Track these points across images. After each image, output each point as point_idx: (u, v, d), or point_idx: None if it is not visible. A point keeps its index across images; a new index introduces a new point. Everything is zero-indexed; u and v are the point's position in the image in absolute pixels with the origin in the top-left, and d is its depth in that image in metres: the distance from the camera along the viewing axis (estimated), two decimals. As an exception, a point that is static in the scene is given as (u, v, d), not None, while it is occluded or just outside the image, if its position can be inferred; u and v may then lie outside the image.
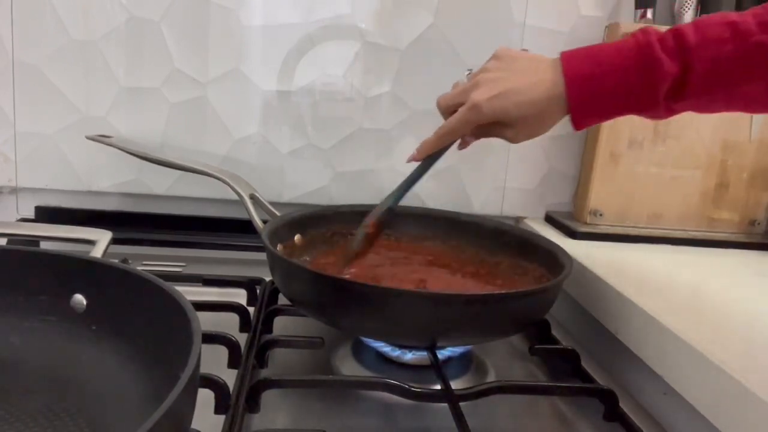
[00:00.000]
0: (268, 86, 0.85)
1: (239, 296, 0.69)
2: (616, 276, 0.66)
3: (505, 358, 0.66)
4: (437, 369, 0.55)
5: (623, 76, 0.51)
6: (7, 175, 0.84)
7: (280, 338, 0.59)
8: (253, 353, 0.57)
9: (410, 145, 0.87)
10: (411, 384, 0.51)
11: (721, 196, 0.86)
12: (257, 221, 0.67)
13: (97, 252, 0.58)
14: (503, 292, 0.61)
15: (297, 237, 0.70)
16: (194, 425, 0.38)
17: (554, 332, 0.67)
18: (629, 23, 0.82)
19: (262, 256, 0.61)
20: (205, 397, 0.46)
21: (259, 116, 0.85)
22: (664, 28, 0.52)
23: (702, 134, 0.83)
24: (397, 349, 0.59)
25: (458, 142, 0.61)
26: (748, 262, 0.79)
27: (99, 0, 0.80)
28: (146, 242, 0.84)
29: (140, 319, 0.44)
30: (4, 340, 0.47)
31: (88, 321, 0.47)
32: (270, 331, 0.64)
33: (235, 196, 0.71)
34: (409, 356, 0.59)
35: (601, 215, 0.85)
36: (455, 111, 0.58)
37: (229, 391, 0.48)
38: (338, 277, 0.57)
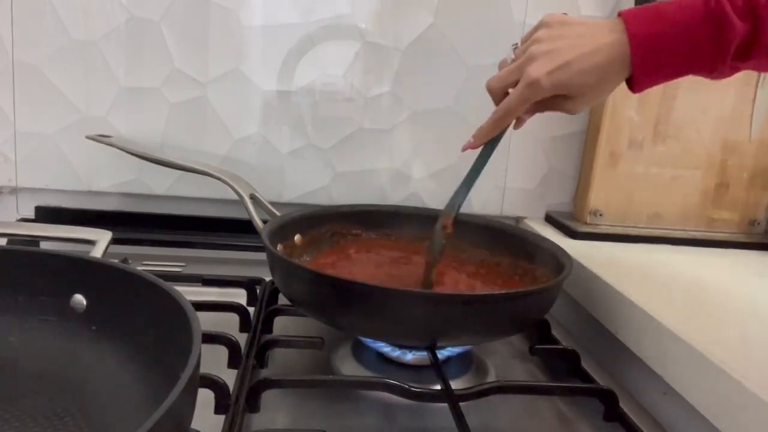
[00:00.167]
0: (268, 86, 0.85)
1: (239, 296, 0.69)
2: (616, 276, 0.66)
3: (505, 358, 0.66)
4: (437, 369, 0.55)
5: (692, 34, 0.49)
6: (7, 175, 0.84)
7: (280, 338, 0.58)
8: (253, 353, 0.57)
9: (410, 144, 0.88)
10: (411, 384, 0.51)
11: (721, 196, 0.86)
12: (257, 221, 0.67)
13: (97, 252, 0.58)
14: (503, 292, 0.61)
15: (297, 237, 0.70)
16: (194, 425, 0.38)
17: (554, 332, 0.67)
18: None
19: (262, 256, 0.61)
20: (205, 397, 0.46)
21: (259, 116, 0.85)
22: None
23: (702, 134, 0.83)
24: (397, 349, 0.59)
25: (513, 122, 0.58)
26: (748, 262, 0.79)
27: (99, 0, 0.80)
28: (146, 242, 0.84)
29: (140, 319, 0.44)
30: (4, 340, 0.47)
31: (88, 321, 0.47)
32: (270, 331, 0.64)
33: (235, 196, 0.71)
34: (409, 356, 0.59)
35: (601, 215, 0.85)
36: (507, 93, 0.55)
37: (229, 391, 0.48)
38: (338, 277, 0.57)
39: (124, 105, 0.83)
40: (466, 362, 0.62)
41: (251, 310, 0.66)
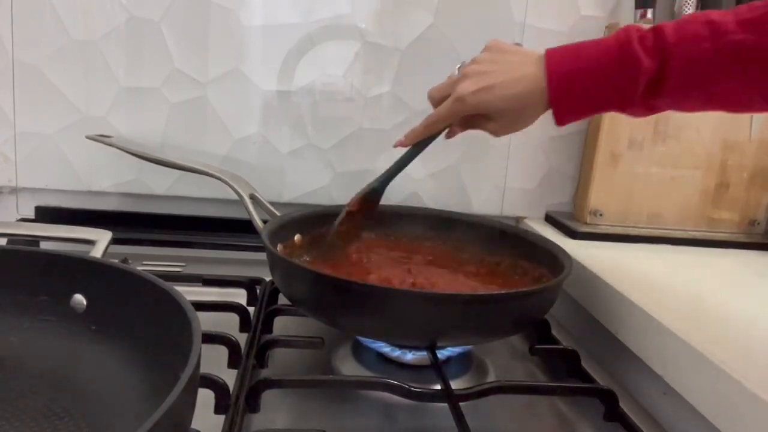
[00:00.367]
0: (268, 86, 0.85)
1: (239, 296, 0.69)
2: (616, 276, 0.66)
3: (505, 358, 0.66)
4: (437, 369, 0.55)
5: (602, 72, 0.52)
6: (7, 175, 0.84)
7: (280, 338, 0.59)
8: (253, 353, 0.57)
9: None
10: (411, 384, 0.51)
11: (721, 196, 0.86)
12: (257, 221, 0.67)
13: (97, 252, 0.58)
14: (503, 292, 0.61)
15: (297, 237, 0.70)
16: (194, 425, 0.38)
17: (554, 332, 0.67)
18: (629, 23, 0.82)
19: (262, 256, 0.61)
20: (205, 397, 0.46)
21: (259, 116, 0.85)
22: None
23: (702, 134, 0.83)
24: (397, 349, 0.59)
25: (446, 131, 0.62)
26: (748, 262, 0.79)
27: (99, 0, 0.80)
28: (146, 242, 0.84)
29: (140, 319, 0.44)
30: (4, 340, 0.47)
31: (88, 321, 0.47)
32: (270, 331, 0.64)
33: (235, 196, 0.71)
34: (409, 356, 0.59)
35: (601, 215, 0.85)
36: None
37: (229, 391, 0.48)
38: (338, 277, 0.57)
39: (124, 105, 0.83)
40: (466, 362, 0.62)
41: (251, 310, 0.66)
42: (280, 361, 0.59)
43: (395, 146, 0.64)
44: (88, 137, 0.78)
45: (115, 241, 0.60)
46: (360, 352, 0.62)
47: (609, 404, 0.54)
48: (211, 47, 0.83)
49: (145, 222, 0.86)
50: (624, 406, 0.54)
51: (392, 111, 0.87)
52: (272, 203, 0.73)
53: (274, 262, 0.60)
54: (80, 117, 0.83)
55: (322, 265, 0.66)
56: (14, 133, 0.83)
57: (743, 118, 0.83)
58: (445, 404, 0.51)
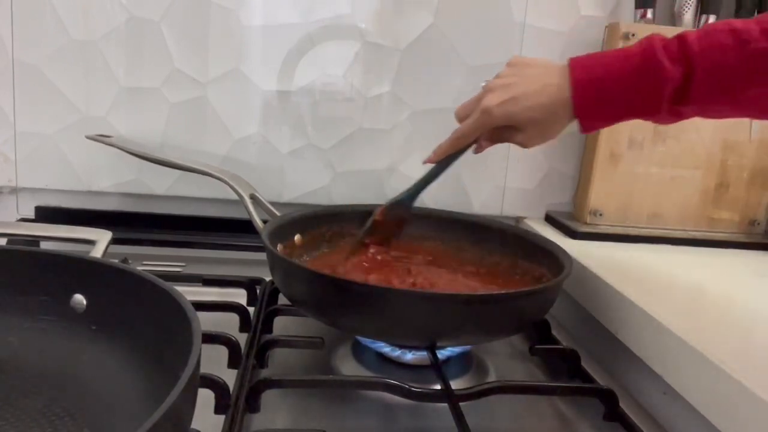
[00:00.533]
0: (268, 86, 0.85)
1: (239, 296, 0.69)
2: (616, 276, 0.66)
3: (505, 358, 0.66)
4: (437, 369, 0.55)
5: (627, 80, 0.53)
6: (7, 175, 0.84)
7: (280, 338, 0.59)
8: (253, 353, 0.57)
9: (410, 144, 0.88)
10: (411, 384, 0.51)
11: (721, 196, 0.86)
12: (257, 221, 0.67)
13: (97, 252, 0.58)
14: (503, 292, 0.61)
15: (297, 237, 0.70)
16: (194, 425, 0.38)
17: (554, 332, 0.67)
18: (629, 23, 0.82)
19: (262, 256, 0.61)
20: (205, 397, 0.46)
21: (259, 116, 0.85)
22: (670, 32, 0.53)
23: (702, 134, 0.83)
24: (397, 349, 0.59)
25: (474, 146, 0.63)
26: (748, 262, 0.79)
27: (99, 0, 0.80)
28: (146, 242, 0.84)
29: (140, 319, 0.44)
30: (4, 340, 0.47)
31: (88, 321, 0.47)
32: (270, 331, 0.64)
33: (235, 196, 0.71)
34: (409, 356, 0.59)
35: (601, 215, 0.85)
36: None
37: (229, 391, 0.48)
38: (338, 277, 0.57)
39: (124, 105, 0.83)
40: (466, 362, 0.62)
41: (251, 310, 0.66)
42: (280, 361, 0.59)
43: (424, 163, 0.65)
44: (88, 137, 0.78)
45: (115, 241, 0.60)
46: (360, 352, 0.62)
47: (609, 404, 0.54)
48: (211, 47, 0.83)
49: (145, 222, 0.86)
50: (624, 406, 0.54)
51: (392, 111, 0.87)
52: (272, 203, 0.73)
53: (274, 262, 0.60)
54: (80, 117, 0.83)
55: (323, 265, 0.66)
56: (14, 133, 0.83)
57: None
58: (445, 404, 0.51)
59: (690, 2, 0.82)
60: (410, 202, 0.68)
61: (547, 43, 0.86)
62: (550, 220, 0.91)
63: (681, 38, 0.51)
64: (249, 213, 0.68)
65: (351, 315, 0.55)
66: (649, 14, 0.82)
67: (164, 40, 0.82)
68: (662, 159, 0.84)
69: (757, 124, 0.84)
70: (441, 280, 0.65)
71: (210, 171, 0.72)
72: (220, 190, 0.73)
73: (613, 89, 0.53)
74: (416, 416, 0.54)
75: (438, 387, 0.53)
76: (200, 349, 0.35)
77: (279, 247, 0.65)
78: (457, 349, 0.60)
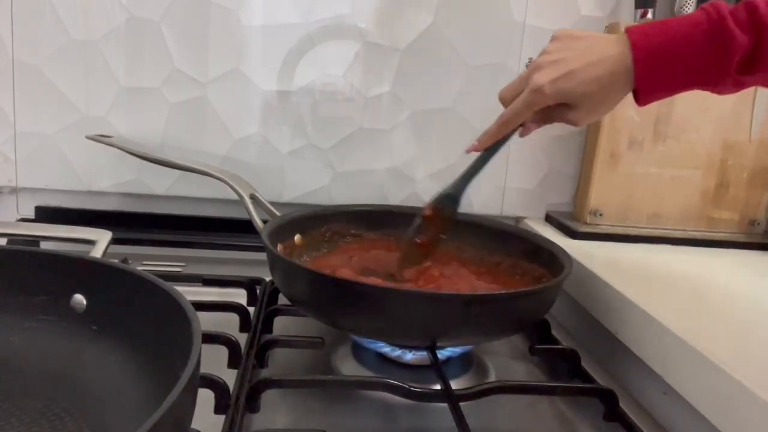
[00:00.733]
0: (268, 86, 0.85)
1: (239, 296, 0.69)
2: (616, 276, 0.66)
3: (505, 358, 0.66)
4: (437, 369, 0.55)
5: (694, 48, 0.50)
6: (7, 175, 0.84)
7: (280, 338, 0.58)
8: (253, 353, 0.57)
9: (410, 144, 0.88)
10: (411, 384, 0.51)
11: (721, 196, 0.86)
12: (257, 221, 0.67)
13: (97, 252, 0.58)
14: (503, 292, 0.61)
15: (297, 237, 0.70)
16: (194, 425, 0.38)
17: (554, 332, 0.67)
18: (629, 23, 0.82)
19: (262, 256, 0.61)
20: (205, 397, 0.46)
21: (259, 116, 0.85)
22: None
23: (702, 134, 0.83)
24: (397, 349, 0.59)
25: (520, 129, 0.59)
26: (748, 262, 0.79)
27: (99, 0, 0.80)
28: (146, 242, 0.84)
29: (140, 319, 0.44)
30: (4, 340, 0.47)
31: (88, 321, 0.47)
32: (270, 331, 0.64)
33: (235, 196, 0.71)
34: (409, 356, 0.59)
35: (601, 215, 0.85)
36: None
37: (229, 391, 0.48)
38: (338, 277, 0.57)
39: (124, 105, 0.83)
40: (466, 362, 0.62)
41: (251, 310, 0.66)
42: (280, 361, 0.59)
43: (467, 151, 0.61)
44: (88, 137, 0.78)
45: (115, 241, 0.60)
46: (360, 352, 0.62)
47: (609, 404, 0.54)
48: (211, 47, 0.83)
49: (145, 222, 0.86)
50: (624, 406, 0.54)
51: (392, 111, 0.87)
52: (272, 203, 0.73)
53: (274, 262, 0.60)
54: (80, 117, 0.83)
55: (323, 265, 0.66)
56: (14, 133, 0.83)
57: (743, 118, 0.83)
58: (445, 404, 0.51)
59: (690, 2, 0.82)
60: (458, 195, 0.63)
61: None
62: (550, 220, 0.91)
63: (749, 6, 0.49)
64: (249, 213, 0.68)
65: (351, 315, 0.55)
66: (650, 14, 0.82)
67: (164, 40, 0.82)
68: (662, 159, 0.84)
69: (757, 125, 0.84)
70: (441, 280, 0.65)
71: (210, 171, 0.72)
72: (220, 190, 0.73)
73: (678, 57, 0.51)
74: (416, 416, 0.54)
75: (438, 387, 0.53)
76: (200, 349, 0.35)
77: (279, 247, 0.65)
78: (457, 349, 0.60)
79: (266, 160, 0.86)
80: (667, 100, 0.78)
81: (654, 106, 0.81)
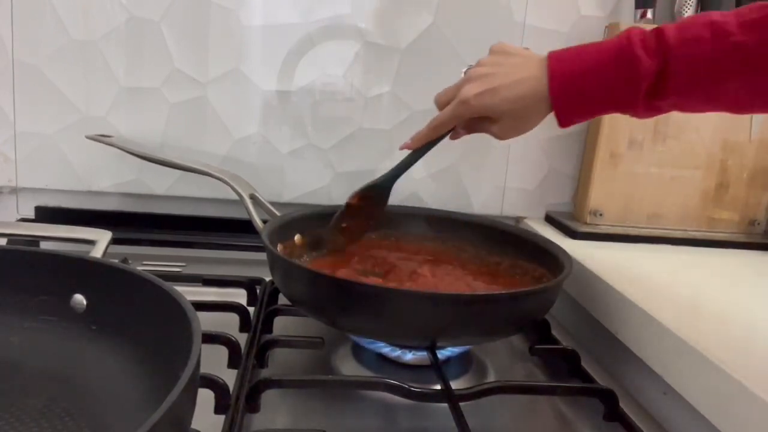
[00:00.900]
0: (268, 86, 0.85)
1: (239, 296, 0.69)
2: (616, 276, 0.66)
3: (505, 358, 0.66)
4: (437, 369, 0.55)
5: (603, 74, 0.52)
6: (7, 175, 0.84)
7: (280, 338, 0.59)
8: (253, 353, 0.57)
9: (410, 145, 0.88)
10: (411, 384, 0.51)
11: (721, 196, 0.86)
12: (257, 221, 0.67)
13: (97, 252, 0.58)
14: (503, 292, 0.61)
15: (297, 237, 0.70)
16: (194, 425, 0.38)
17: (554, 332, 0.67)
18: (629, 23, 0.82)
19: (262, 256, 0.62)
20: (205, 397, 0.46)
21: (259, 116, 0.85)
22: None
23: (702, 134, 0.83)
24: (397, 349, 0.59)
25: (450, 133, 0.62)
26: (748, 262, 0.79)
27: (99, 0, 0.80)
28: (146, 242, 0.84)
29: (140, 319, 0.44)
30: (4, 340, 0.47)
31: (88, 321, 0.47)
32: (270, 331, 0.64)
33: (235, 196, 0.71)
34: (409, 356, 0.59)
35: (601, 215, 0.85)
36: None
37: (229, 391, 0.48)
38: (338, 277, 0.57)
39: (124, 105, 0.83)
40: (465, 362, 0.62)
41: (251, 310, 0.66)
42: (280, 361, 0.59)
43: (401, 148, 0.64)
44: (88, 137, 0.78)
45: (115, 241, 0.60)
46: (360, 352, 0.62)
47: (609, 404, 0.54)
48: (211, 47, 0.83)
49: (145, 222, 0.86)
50: (624, 406, 0.54)
51: (392, 111, 0.87)
52: (272, 203, 0.73)
53: (274, 262, 0.60)
54: (80, 117, 0.83)
55: (323, 265, 0.66)
56: (14, 133, 0.83)
57: (743, 118, 0.83)
58: (445, 404, 0.51)
59: (690, 2, 0.82)
60: (387, 187, 0.66)
61: (547, 43, 0.85)
62: (550, 220, 0.91)
63: (659, 31, 0.51)
64: (249, 213, 0.68)
65: (351, 315, 0.55)
66: (649, 14, 0.82)
67: (164, 40, 0.82)
68: (662, 159, 0.84)
69: (757, 125, 0.84)
70: (441, 280, 0.65)
71: (210, 171, 0.72)
72: (220, 190, 0.73)
73: (589, 83, 0.53)
74: (416, 416, 0.54)
75: (438, 387, 0.53)
76: (200, 349, 0.35)
77: (279, 247, 0.65)
78: (457, 349, 0.60)
79: (266, 160, 0.86)
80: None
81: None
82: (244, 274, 0.74)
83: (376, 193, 0.66)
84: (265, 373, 0.56)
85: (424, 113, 0.87)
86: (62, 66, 0.81)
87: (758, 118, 0.84)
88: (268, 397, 0.51)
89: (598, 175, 0.84)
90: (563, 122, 0.55)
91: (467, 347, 0.62)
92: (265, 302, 0.68)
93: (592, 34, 0.86)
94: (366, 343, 0.61)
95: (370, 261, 0.68)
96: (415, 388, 0.51)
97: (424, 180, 0.89)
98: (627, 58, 0.51)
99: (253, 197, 0.71)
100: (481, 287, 0.65)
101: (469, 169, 0.90)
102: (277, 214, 0.71)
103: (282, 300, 0.65)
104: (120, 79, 0.82)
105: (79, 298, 0.47)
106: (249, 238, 0.81)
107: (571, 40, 0.86)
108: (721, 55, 0.49)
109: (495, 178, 0.91)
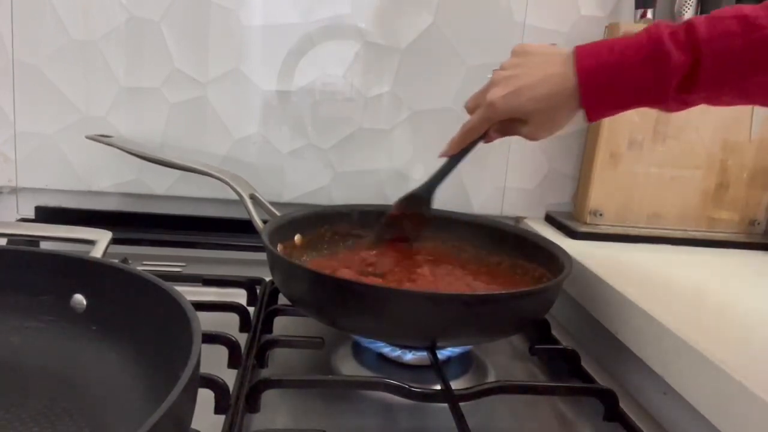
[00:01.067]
0: (268, 86, 0.85)
1: (239, 296, 0.69)
2: (616, 276, 0.66)
3: (505, 358, 0.66)
4: (437, 369, 0.55)
5: (634, 68, 0.52)
6: (7, 175, 0.84)
7: (280, 338, 0.59)
8: (253, 353, 0.57)
9: (410, 144, 0.88)
10: (411, 384, 0.51)
11: (721, 196, 0.86)
12: (257, 221, 0.67)
13: (97, 252, 0.58)
14: (503, 292, 0.61)
15: (297, 237, 0.70)
16: (194, 425, 0.38)
17: (554, 332, 0.67)
18: (629, 23, 0.82)
19: (262, 256, 0.61)
20: (205, 397, 0.46)
21: (259, 116, 0.85)
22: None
23: (702, 134, 0.83)
24: (397, 349, 0.59)
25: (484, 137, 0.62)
26: (748, 262, 0.79)
27: (99, 0, 0.80)
28: (146, 242, 0.84)
29: (140, 319, 0.44)
30: (4, 340, 0.47)
31: (88, 321, 0.47)
32: (270, 331, 0.64)
33: (235, 196, 0.71)
34: (409, 356, 0.59)
35: (601, 215, 0.85)
36: None
37: (229, 391, 0.48)
38: (338, 277, 0.57)
39: (124, 105, 0.83)
40: (466, 362, 0.62)
41: (251, 310, 0.66)
42: (280, 361, 0.59)
43: (439, 156, 0.65)
44: (88, 137, 0.78)
45: (115, 241, 0.60)
46: (360, 352, 0.62)
47: (609, 404, 0.54)
48: (211, 47, 0.83)
49: (145, 222, 0.86)
50: (624, 406, 0.54)
51: (392, 111, 0.87)
52: (272, 203, 0.73)
53: (274, 262, 0.60)
54: (80, 117, 0.83)
55: (323, 265, 0.66)
56: (14, 133, 0.83)
57: (743, 118, 0.83)
58: (445, 404, 0.51)
59: (690, 2, 0.82)
60: (427, 196, 0.67)
61: (547, 43, 0.86)
62: (550, 220, 0.91)
63: (689, 25, 0.51)
64: (249, 213, 0.68)
65: (351, 315, 0.55)
66: (649, 14, 0.82)
67: (164, 40, 0.82)
68: (662, 159, 0.84)
69: (757, 125, 0.84)
70: (441, 280, 0.65)
71: (210, 171, 0.72)
72: (220, 190, 0.73)
73: (619, 77, 0.52)
74: (416, 416, 0.54)
75: (438, 387, 0.53)
76: (200, 349, 0.35)
77: (279, 247, 0.65)
78: (457, 350, 0.60)
79: (266, 160, 0.86)
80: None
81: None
82: (244, 274, 0.74)
83: (416, 202, 0.67)
84: (265, 373, 0.56)
85: (424, 113, 0.88)
86: (62, 66, 0.81)
87: (758, 118, 0.84)
88: (268, 397, 0.51)
89: (598, 175, 0.84)
90: (592, 117, 0.55)
91: (467, 347, 0.62)
92: (265, 302, 0.68)
93: (592, 34, 0.86)
94: (366, 342, 0.61)
95: (369, 261, 0.68)
96: (415, 388, 0.51)
97: (424, 180, 0.89)
98: (657, 53, 0.51)
99: (253, 197, 0.71)
100: (481, 287, 0.65)
101: (469, 169, 0.89)
102: (277, 214, 0.71)
103: (282, 300, 0.65)
104: (120, 79, 0.82)
105: (79, 298, 0.47)
106: (249, 238, 0.81)
107: (571, 40, 0.86)
108: (752, 50, 0.48)
109: (495, 178, 0.91)
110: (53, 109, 0.82)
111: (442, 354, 0.58)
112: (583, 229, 0.84)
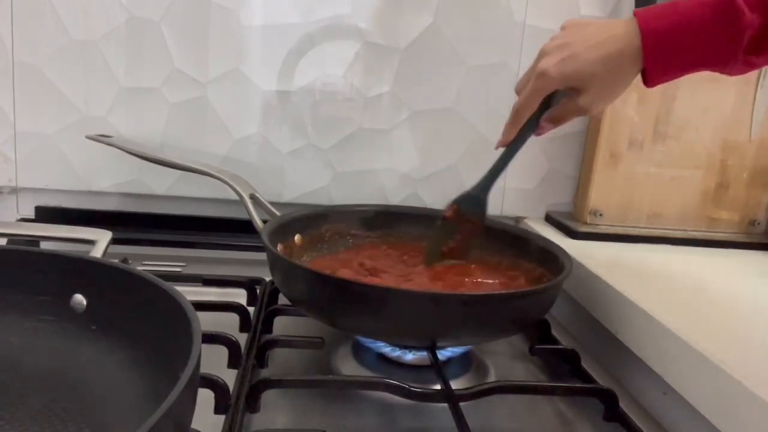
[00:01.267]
0: (268, 86, 0.85)
1: (239, 296, 0.69)
2: (616, 276, 0.66)
3: (505, 358, 0.66)
4: (437, 369, 0.55)
5: (702, 27, 0.50)
6: (7, 175, 0.84)
7: (280, 338, 0.59)
8: (253, 353, 0.57)
9: (410, 144, 0.88)
10: (411, 384, 0.51)
11: (721, 196, 0.86)
12: (257, 221, 0.67)
13: (97, 252, 0.58)
14: (503, 292, 0.61)
15: (297, 237, 0.70)
16: (194, 425, 0.38)
17: (554, 332, 0.67)
18: (629, 23, 0.82)
19: (262, 256, 0.62)
20: (205, 397, 0.46)
21: (259, 116, 0.85)
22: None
23: (702, 134, 0.83)
24: (397, 349, 0.59)
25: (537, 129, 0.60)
26: (748, 262, 0.79)
27: (99, 0, 0.80)
28: (146, 242, 0.84)
29: (140, 319, 0.44)
30: (4, 340, 0.47)
31: (88, 321, 0.47)
32: (270, 331, 0.64)
33: (235, 196, 0.71)
34: (409, 356, 0.59)
35: (601, 215, 0.85)
36: None
37: (229, 391, 0.48)
38: (338, 277, 0.57)
39: (124, 105, 0.83)
40: (466, 362, 0.62)
41: (251, 310, 0.66)
42: (280, 361, 0.59)
43: (496, 148, 0.61)
44: (88, 137, 0.78)
45: (115, 241, 0.60)
46: (360, 352, 0.62)
47: (609, 404, 0.54)
48: (211, 47, 0.83)
49: (145, 222, 0.86)
50: (624, 406, 0.54)
51: (392, 111, 0.87)
52: (272, 203, 0.73)
53: (274, 262, 0.60)
54: (80, 117, 0.83)
55: (323, 265, 0.66)
56: (14, 133, 0.83)
57: (743, 118, 0.83)
58: (445, 404, 0.51)
59: (690, 2, 0.82)
60: (482, 195, 0.63)
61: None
62: (550, 220, 0.91)
63: None
64: (249, 213, 0.68)
65: (351, 315, 0.55)
66: (649, 14, 0.82)
67: (164, 40, 0.82)
68: (662, 159, 0.84)
69: (757, 125, 0.84)
70: (441, 280, 0.65)
71: (210, 171, 0.72)
72: (220, 190, 0.73)
73: (687, 37, 0.50)
74: (416, 416, 0.54)
75: (438, 387, 0.53)
76: (200, 349, 0.35)
77: (279, 247, 0.65)
78: (458, 350, 0.60)
79: (266, 160, 0.86)
80: (668, 100, 0.78)
81: (654, 106, 0.82)
82: (244, 274, 0.74)
83: (470, 203, 0.64)
84: (265, 373, 0.56)
85: (424, 113, 0.88)
86: (62, 66, 0.81)
87: (758, 118, 0.84)
88: (268, 397, 0.51)
89: (598, 175, 0.84)
90: (652, 80, 0.53)
91: (467, 347, 0.62)
92: (265, 302, 0.68)
93: (592, 34, 0.86)
94: (366, 342, 0.61)
95: (369, 261, 0.68)
96: (415, 388, 0.51)
97: (424, 180, 0.89)
98: (728, 12, 0.49)
99: (253, 197, 0.71)
100: (480, 287, 0.65)
101: (469, 169, 0.90)
102: (277, 214, 0.71)
103: (282, 300, 0.65)
104: (120, 79, 0.82)
105: (79, 298, 0.47)
106: (249, 238, 0.81)
107: (571, 40, 0.86)
108: None
109: (495, 178, 0.91)
110: (53, 109, 0.82)
111: (442, 354, 0.58)
112: (583, 229, 0.84)
